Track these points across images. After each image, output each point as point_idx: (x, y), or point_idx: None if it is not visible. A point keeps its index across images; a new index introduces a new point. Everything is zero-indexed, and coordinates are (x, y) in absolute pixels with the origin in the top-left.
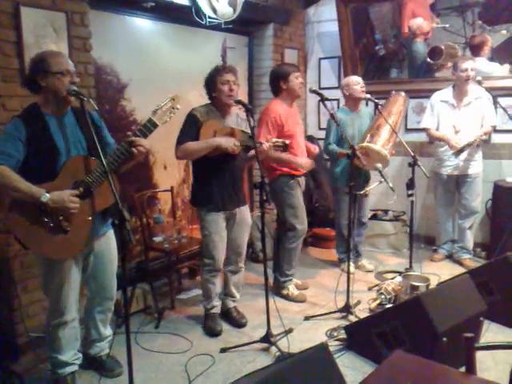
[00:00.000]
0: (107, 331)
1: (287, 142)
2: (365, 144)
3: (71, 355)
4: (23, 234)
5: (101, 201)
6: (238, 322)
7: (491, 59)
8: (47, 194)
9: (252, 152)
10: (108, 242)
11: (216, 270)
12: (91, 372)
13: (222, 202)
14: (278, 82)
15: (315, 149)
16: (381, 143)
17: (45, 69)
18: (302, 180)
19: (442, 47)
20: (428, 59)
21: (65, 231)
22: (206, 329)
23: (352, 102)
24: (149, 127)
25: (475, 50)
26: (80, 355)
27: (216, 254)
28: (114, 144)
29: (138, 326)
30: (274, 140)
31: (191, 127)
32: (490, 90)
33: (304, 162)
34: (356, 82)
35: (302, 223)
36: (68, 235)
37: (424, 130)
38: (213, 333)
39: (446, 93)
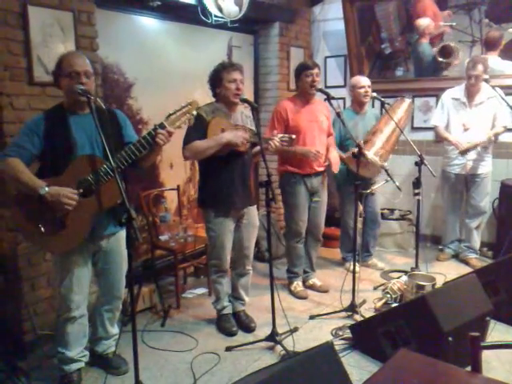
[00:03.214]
0: (114, 330)
1: (293, 136)
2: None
3: (78, 352)
4: (23, 226)
5: (106, 199)
6: (247, 326)
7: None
8: (46, 188)
9: (256, 148)
10: (118, 242)
11: (223, 271)
12: (97, 369)
13: (230, 203)
14: (295, 78)
15: (335, 168)
16: (372, 151)
17: (59, 71)
18: (318, 181)
19: (453, 45)
20: (439, 58)
21: (62, 227)
22: (220, 329)
23: (357, 103)
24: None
25: (491, 45)
26: (87, 353)
27: (223, 255)
28: None
29: (144, 324)
30: (281, 135)
31: (197, 127)
32: (495, 88)
33: (305, 150)
34: (360, 85)
35: (296, 223)
36: (66, 230)
37: (433, 127)
38: (229, 333)
39: (458, 91)
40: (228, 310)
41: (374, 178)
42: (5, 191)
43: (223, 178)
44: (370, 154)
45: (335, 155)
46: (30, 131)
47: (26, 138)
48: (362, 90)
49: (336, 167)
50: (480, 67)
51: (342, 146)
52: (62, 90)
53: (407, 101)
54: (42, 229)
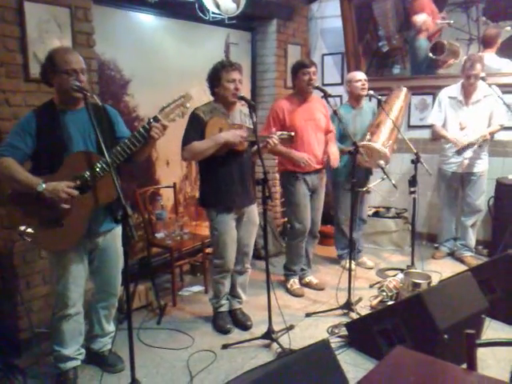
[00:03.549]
0: (110, 327)
1: (292, 133)
2: (365, 143)
3: (74, 350)
4: (20, 225)
5: (103, 195)
6: (243, 324)
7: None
8: (43, 185)
9: (255, 147)
10: (114, 239)
11: (226, 271)
12: (93, 367)
13: (232, 202)
14: (291, 76)
15: (334, 163)
16: (381, 141)
17: (52, 67)
18: (318, 178)
19: (444, 42)
20: (430, 54)
21: (60, 224)
22: (215, 327)
23: (353, 98)
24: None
25: (488, 42)
26: (83, 351)
27: (227, 254)
28: None
29: (140, 321)
30: (279, 133)
31: (195, 127)
32: (491, 86)
33: (300, 156)
34: (357, 79)
35: (300, 222)
36: (64, 228)
37: (430, 125)
38: (223, 331)
39: (455, 89)
40: (225, 308)
41: (369, 178)
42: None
43: (222, 178)
44: (378, 144)
45: (334, 150)
46: (21, 130)
47: (18, 138)
48: (359, 84)
49: (335, 162)
50: (478, 66)
51: (343, 141)
52: (52, 85)
53: (404, 89)
54: (29, 229)
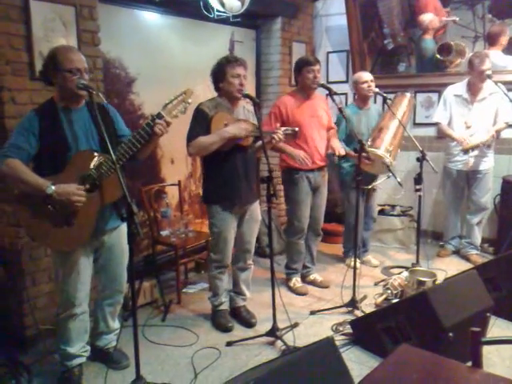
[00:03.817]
0: (115, 324)
1: (296, 129)
2: (367, 149)
3: (79, 347)
4: (29, 226)
5: (109, 194)
6: (247, 322)
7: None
8: (52, 187)
9: (259, 143)
10: (120, 236)
11: (224, 267)
12: (98, 364)
13: (235, 199)
14: (295, 73)
15: (339, 151)
16: (383, 147)
17: (55, 66)
18: (320, 176)
19: (452, 43)
20: (437, 55)
21: (70, 224)
22: (216, 325)
23: (360, 99)
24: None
25: (492, 39)
26: (88, 348)
27: (226, 250)
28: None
29: (145, 319)
30: (284, 128)
31: (200, 122)
32: (498, 83)
33: (296, 153)
34: (363, 81)
35: (299, 220)
36: (73, 228)
37: (435, 124)
38: (224, 329)
39: (460, 87)
40: (225, 306)
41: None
42: (6, 188)
43: (227, 174)
44: (381, 151)
45: (337, 141)
46: (24, 130)
47: (22, 138)
48: (365, 85)
49: (340, 151)
50: (488, 62)
51: (349, 141)
52: (52, 84)
53: (407, 95)
54: None
